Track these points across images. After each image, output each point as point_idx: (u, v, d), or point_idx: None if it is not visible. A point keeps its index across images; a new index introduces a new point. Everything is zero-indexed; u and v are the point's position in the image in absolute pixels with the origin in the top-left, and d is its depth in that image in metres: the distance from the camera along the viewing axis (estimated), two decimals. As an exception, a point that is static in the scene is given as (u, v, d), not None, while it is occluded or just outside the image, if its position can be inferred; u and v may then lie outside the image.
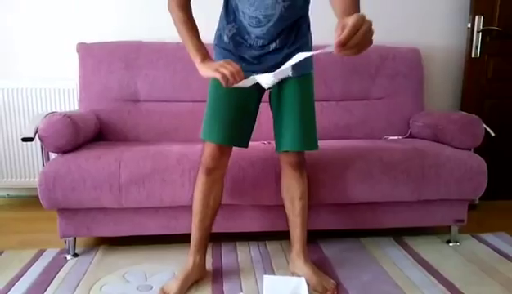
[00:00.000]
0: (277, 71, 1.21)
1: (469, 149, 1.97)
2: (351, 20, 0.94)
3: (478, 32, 2.52)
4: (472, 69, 2.57)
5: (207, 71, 1.30)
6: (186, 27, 1.37)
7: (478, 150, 1.98)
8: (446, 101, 2.74)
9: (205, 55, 1.35)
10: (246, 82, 1.26)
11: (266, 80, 1.26)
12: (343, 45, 0.95)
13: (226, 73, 1.23)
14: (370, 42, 0.99)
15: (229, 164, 1.56)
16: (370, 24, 0.97)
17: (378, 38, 2.52)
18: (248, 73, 1.41)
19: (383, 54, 2.40)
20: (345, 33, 0.93)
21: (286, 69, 1.18)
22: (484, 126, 1.97)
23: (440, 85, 2.71)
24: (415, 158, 1.84)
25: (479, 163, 1.88)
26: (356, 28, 0.94)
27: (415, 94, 2.43)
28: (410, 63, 2.42)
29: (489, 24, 2.52)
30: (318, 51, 1.03)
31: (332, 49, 0.97)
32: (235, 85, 1.25)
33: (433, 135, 2.14)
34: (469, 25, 2.53)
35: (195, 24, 1.40)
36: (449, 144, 2.00)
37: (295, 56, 1.11)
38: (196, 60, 1.35)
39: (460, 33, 2.66)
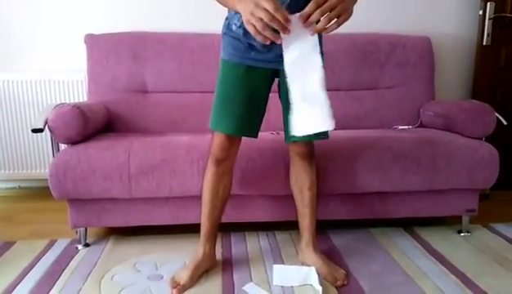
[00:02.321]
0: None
1: (481, 139, 1.94)
2: None
3: (489, 19, 2.48)
4: (483, 57, 2.53)
5: (244, 11, 1.09)
6: None
7: (489, 139, 1.95)
8: (457, 90, 2.70)
9: None
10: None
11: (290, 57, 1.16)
12: (305, 19, 1.05)
13: (258, 25, 1.06)
14: (345, 15, 1.06)
15: (238, 154, 1.56)
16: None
17: (387, 27, 2.53)
18: (258, 63, 1.40)
19: (393, 42, 2.37)
20: (307, 7, 1.05)
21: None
22: (496, 114, 1.95)
23: (451, 73, 2.68)
24: (425, 148, 1.82)
25: (491, 152, 1.86)
26: (318, 4, 1.03)
27: (425, 83, 2.40)
28: (420, 51, 2.39)
29: (501, 11, 2.47)
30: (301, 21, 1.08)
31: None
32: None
33: (444, 125, 2.11)
34: (481, 12, 2.49)
35: None
36: (460, 133, 1.98)
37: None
38: None
39: (472, 20, 2.62)
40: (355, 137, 1.89)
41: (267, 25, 1.06)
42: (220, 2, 1.27)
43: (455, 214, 1.97)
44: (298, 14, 1.08)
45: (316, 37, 1.13)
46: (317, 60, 1.15)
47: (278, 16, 1.04)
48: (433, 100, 2.38)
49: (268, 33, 1.07)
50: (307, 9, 1.05)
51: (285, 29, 1.07)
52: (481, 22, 2.50)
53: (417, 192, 1.88)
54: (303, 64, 1.16)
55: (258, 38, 1.09)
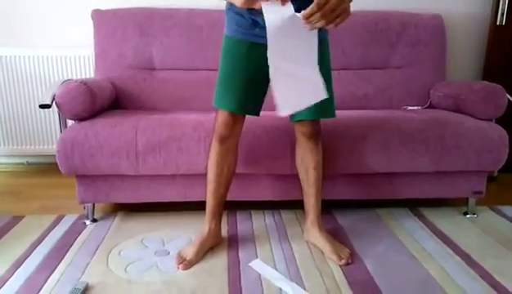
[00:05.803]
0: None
1: (491, 120, 1.92)
2: None
3: (504, -2, 2.41)
4: (496, 37, 2.48)
5: None
6: None
7: (499, 121, 1.93)
8: (468, 71, 2.65)
9: None
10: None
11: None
12: (306, 18, 1.09)
13: None
14: (343, 16, 1.10)
15: (244, 132, 1.55)
16: (338, 2, 1.07)
17: (399, 5, 2.47)
18: (261, 39, 1.37)
19: (404, 21, 2.32)
20: (308, 8, 1.08)
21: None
22: (508, 96, 1.92)
23: (462, 53, 2.63)
24: (434, 129, 1.80)
25: (500, 134, 1.84)
26: (319, 6, 1.06)
27: (436, 63, 2.35)
28: (432, 30, 2.34)
29: (517, -11, 2.41)
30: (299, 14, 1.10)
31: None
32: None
33: (454, 106, 2.09)
34: (496, -9, 2.43)
35: None
36: (470, 114, 1.95)
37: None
38: None
39: (486, -2, 2.56)
40: (363, 117, 1.87)
41: None
42: None
43: (462, 196, 1.96)
44: (300, 13, 1.10)
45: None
46: (314, 44, 1.17)
47: None
48: (443, 81, 2.34)
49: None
50: (309, 10, 1.08)
51: None
52: (495, 0, 2.43)
53: (424, 173, 1.87)
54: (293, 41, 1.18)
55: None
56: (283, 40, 1.17)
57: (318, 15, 1.08)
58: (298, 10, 1.11)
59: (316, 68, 1.20)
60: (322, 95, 1.21)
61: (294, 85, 1.22)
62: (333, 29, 1.13)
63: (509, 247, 1.67)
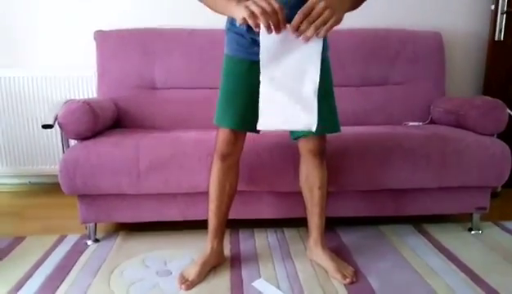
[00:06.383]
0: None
1: (492, 135, 1.92)
2: (304, 6, 1.10)
3: (502, 14, 2.43)
4: (495, 53, 2.49)
5: (239, 11, 1.16)
6: None
7: (501, 136, 1.93)
8: (468, 86, 2.67)
9: None
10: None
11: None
12: (295, 29, 1.12)
13: (255, 9, 1.10)
14: (332, 21, 1.12)
15: (246, 150, 1.56)
16: (324, 6, 1.09)
17: (398, 22, 2.50)
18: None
19: (403, 38, 2.35)
20: (295, 18, 1.11)
21: None
22: (508, 111, 1.92)
23: (462, 69, 2.64)
24: (435, 144, 1.80)
25: (503, 150, 1.83)
26: (305, 14, 1.10)
27: (436, 79, 2.37)
28: (431, 47, 2.36)
29: (514, 5, 2.43)
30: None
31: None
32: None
33: (454, 121, 2.09)
34: (493, 7, 2.45)
35: None
36: (471, 129, 1.95)
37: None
38: (232, 4, 1.21)
39: (484, 15, 2.58)
40: (364, 133, 1.87)
41: (263, 14, 1.10)
42: (214, 9, 1.31)
43: (466, 212, 1.95)
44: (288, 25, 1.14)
45: (316, 43, 1.17)
46: (315, 66, 1.20)
47: (276, 8, 1.10)
48: (443, 97, 2.35)
49: (263, 20, 1.10)
50: (294, 21, 1.12)
51: (279, 26, 1.12)
52: (493, 16, 2.46)
53: (428, 189, 1.86)
54: (296, 69, 1.22)
55: (250, 22, 1.12)
56: (279, 51, 1.20)
57: (306, 23, 1.10)
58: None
59: (316, 87, 1.20)
60: (311, 126, 1.22)
61: (285, 103, 1.23)
62: (323, 36, 1.14)
63: (515, 263, 1.66)
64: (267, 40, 1.17)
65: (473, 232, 1.94)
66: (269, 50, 1.19)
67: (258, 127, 1.26)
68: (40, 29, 2.46)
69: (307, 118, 1.22)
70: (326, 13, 1.10)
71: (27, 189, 2.62)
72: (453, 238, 1.87)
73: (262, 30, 1.14)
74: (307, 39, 1.15)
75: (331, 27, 1.13)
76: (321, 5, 1.10)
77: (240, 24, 1.20)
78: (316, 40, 1.17)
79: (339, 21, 1.14)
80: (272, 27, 1.12)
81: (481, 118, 1.91)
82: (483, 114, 1.91)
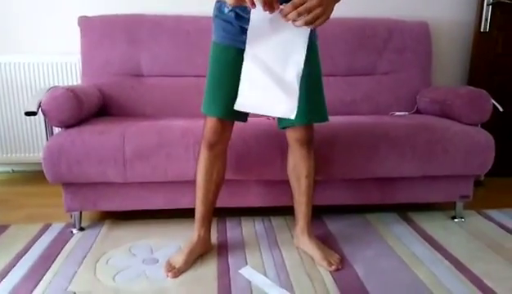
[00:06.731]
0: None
1: (477, 125, 1.94)
2: None
3: (487, 5, 2.46)
4: (481, 44, 2.52)
5: None
6: None
7: (485, 126, 1.95)
8: (453, 76, 2.69)
9: None
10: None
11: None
12: (284, 16, 1.13)
13: None
14: (321, 19, 1.14)
15: (233, 139, 1.55)
16: (317, 4, 1.11)
17: (385, 12, 2.50)
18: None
19: (390, 27, 2.35)
20: (285, 8, 1.12)
21: None
22: (492, 101, 1.94)
23: (448, 60, 2.67)
24: (421, 134, 1.82)
25: (487, 139, 1.86)
26: (294, 5, 1.11)
27: (422, 69, 2.38)
28: (418, 37, 2.37)
29: (500, -4, 2.46)
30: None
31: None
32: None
33: (440, 111, 2.11)
34: (479, -2, 2.47)
35: None
36: (456, 119, 1.98)
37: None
38: None
39: (470, 5, 2.60)
40: (351, 123, 1.88)
41: None
42: None
43: (450, 200, 1.98)
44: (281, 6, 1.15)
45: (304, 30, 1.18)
46: (302, 49, 1.21)
47: None
48: (429, 87, 2.37)
49: None
50: (285, 8, 1.13)
51: (272, 4, 1.12)
52: (479, 7, 2.48)
53: (412, 178, 1.89)
54: (284, 49, 1.22)
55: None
56: (267, 31, 1.20)
57: (294, 13, 1.12)
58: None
59: (299, 70, 1.20)
60: (291, 112, 1.22)
61: (267, 84, 1.22)
62: (311, 28, 1.17)
63: (498, 250, 1.69)
64: (257, 17, 1.17)
65: (456, 220, 1.97)
66: (257, 27, 1.20)
67: (235, 107, 1.26)
68: (23, 15, 2.40)
69: (287, 103, 1.22)
70: (318, 11, 1.12)
71: (10, 177, 2.58)
72: (437, 227, 1.90)
73: (257, 8, 1.14)
74: (296, 26, 1.16)
75: (319, 25, 1.16)
76: (314, 2, 1.11)
77: (231, 5, 1.19)
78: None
79: (327, 19, 1.16)
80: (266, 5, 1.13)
81: (466, 108, 1.94)
82: (468, 104, 1.93)
